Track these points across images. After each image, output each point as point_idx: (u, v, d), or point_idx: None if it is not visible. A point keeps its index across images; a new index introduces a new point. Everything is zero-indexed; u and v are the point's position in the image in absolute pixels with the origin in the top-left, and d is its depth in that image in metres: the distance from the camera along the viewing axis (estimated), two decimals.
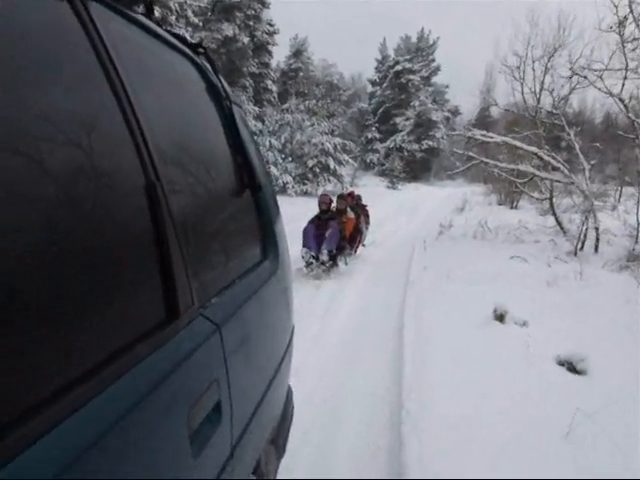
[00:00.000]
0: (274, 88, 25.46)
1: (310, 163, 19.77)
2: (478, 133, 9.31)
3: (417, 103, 37.23)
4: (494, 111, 26.02)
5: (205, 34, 19.62)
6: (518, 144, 9.00)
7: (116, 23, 1.02)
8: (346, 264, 6.93)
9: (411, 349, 3.60)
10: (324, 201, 7.19)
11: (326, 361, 3.67)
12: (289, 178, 18.67)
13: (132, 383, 0.76)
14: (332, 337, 4.18)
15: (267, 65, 25.18)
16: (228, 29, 20.65)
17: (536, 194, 11.07)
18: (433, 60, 43.15)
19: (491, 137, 9.25)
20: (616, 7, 6.41)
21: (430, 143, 36.31)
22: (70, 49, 0.81)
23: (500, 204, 17.95)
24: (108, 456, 0.67)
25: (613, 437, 2.37)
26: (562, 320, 4.04)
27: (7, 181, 0.57)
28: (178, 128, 1.25)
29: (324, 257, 6.28)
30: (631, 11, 6.39)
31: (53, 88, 0.73)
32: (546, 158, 8.86)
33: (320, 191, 15.70)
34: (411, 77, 38.07)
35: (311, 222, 6.96)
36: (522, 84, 10.19)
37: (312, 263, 6.36)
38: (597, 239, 8.34)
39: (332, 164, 20.31)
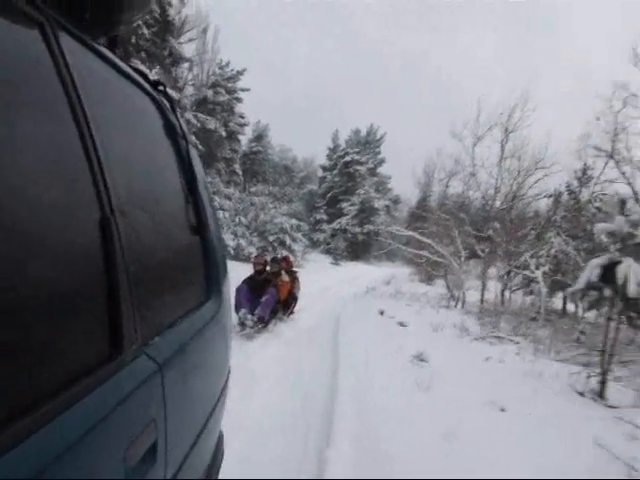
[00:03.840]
0: (240, 171, 30.91)
1: (271, 238, 25.09)
2: (394, 228, 15.08)
3: (362, 191, 42.54)
4: (432, 201, 32.39)
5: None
6: (417, 237, 14.73)
7: (83, 54, 1.06)
8: (275, 325, 7.47)
9: (343, 323, 8.95)
10: (259, 262, 7.51)
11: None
12: (253, 249, 23.78)
13: (74, 419, 0.77)
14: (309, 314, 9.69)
15: (236, 151, 30.32)
16: (211, 123, 26.34)
17: (442, 271, 16.93)
18: (379, 153, 49.48)
19: (402, 232, 14.98)
20: (519, 160, 12.44)
21: (371, 227, 40.83)
22: (36, 76, 0.83)
23: (421, 281, 23.52)
24: None
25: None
26: (409, 316, 9.50)
27: None
28: (135, 164, 1.29)
29: (249, 322, 6.56)
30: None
31: (16, 114, 0.74)
32: (437, 248, 14.63)
33: None
34: (358, 167, 43.31)
35: (245, 282, 7.24)
36: (429, 196, 16.30)
37: (244, 324, 6.59)
38: (463, 299, 14.01)
39: (288, 240, 25.79)
